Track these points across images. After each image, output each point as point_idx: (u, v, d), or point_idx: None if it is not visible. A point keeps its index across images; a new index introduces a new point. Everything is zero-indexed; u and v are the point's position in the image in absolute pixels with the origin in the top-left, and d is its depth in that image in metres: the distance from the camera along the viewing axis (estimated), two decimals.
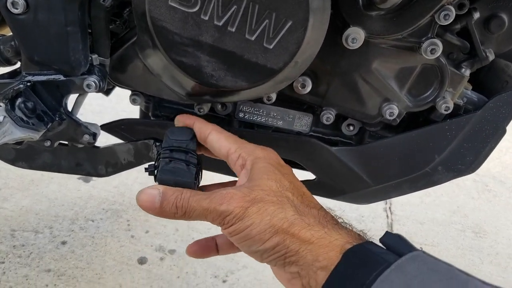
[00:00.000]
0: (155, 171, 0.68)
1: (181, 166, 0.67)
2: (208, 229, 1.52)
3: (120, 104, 2.03)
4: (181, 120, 0.73)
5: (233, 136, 0.68)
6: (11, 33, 0.81)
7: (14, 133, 0.67)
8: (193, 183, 0.65)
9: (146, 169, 0.70)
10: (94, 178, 1.55)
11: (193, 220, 0.57)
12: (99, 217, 1.47)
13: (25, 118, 0.69)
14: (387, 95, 0.79)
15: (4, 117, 0.66)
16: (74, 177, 1.55)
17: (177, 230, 1.49)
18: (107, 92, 0.90)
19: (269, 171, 0.58)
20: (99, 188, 1.57)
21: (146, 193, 0.57)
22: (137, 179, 1.62)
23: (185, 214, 0.56)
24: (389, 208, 1.81)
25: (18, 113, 0.68)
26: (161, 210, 0.57)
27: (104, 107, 2.02)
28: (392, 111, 0.79)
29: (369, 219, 1.73)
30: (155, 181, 0.67)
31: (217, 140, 0.67)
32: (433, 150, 0.83)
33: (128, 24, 0.77)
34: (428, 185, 0.87)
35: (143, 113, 0.90)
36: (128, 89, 0.82)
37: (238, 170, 0.64)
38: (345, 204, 1.74)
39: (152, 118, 0.88)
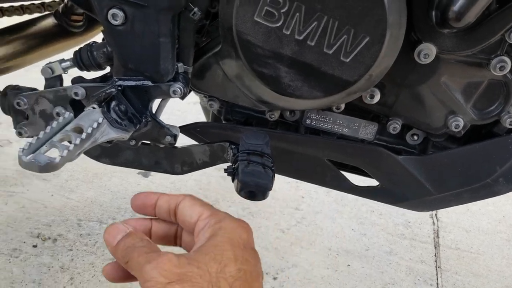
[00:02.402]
0: (235, 172, 0.73)
1: (258, 169, 0.72)
2: (258, 227, 1.58)
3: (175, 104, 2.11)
4: (140, 198, 0.61)
5: (209, 205, 0.60)
6: (94, 40, 0.88)
7: (110, 134, 0.73)
8: (271, 185, 0.70)
9: (225, 170, 0.75)
10: (152, 173, 1.63)
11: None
12: None
13: (119, 120, 0.75)
14: (453, 107, 0.82)
15: (103, 119, 0.72)
16: (134, 171, 1.64)
17: None
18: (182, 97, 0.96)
19: (221, 249, 0.50)
20: (157, 183, 1.65)
21: (114, 227, 0.54)
22: (192, 176, 1.69)
23: (127, 263, 0.50)
24: (436, 215, 1.82)
25: (113, 115, 0.75)
26: (115, 249, 0.53)
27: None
28: (458, 124, 0.82)
29: (415, 225, 1.75)
30: (233, 182, 0.72)
31: (191, 206, 0.58)
32: (495, 162, 0.86)
33: (209, 35, 0.83)
34: (489, 195, 0.89)
35: (214, 117, 0.96)
36: (205, 94, 0.88)
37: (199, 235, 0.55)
38: (392, 209, 1.77)
39: (223, 122, 0.93)
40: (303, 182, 0.96)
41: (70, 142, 0.64)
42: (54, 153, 0.59)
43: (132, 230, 0.53)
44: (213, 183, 1.74)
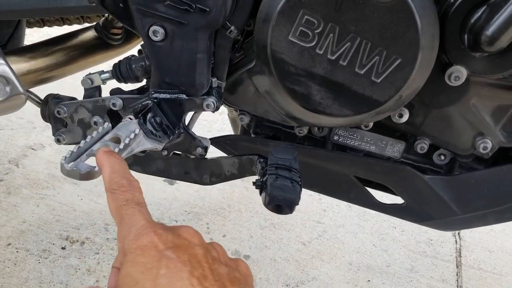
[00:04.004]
0: (263, 186, 0.75)
1: (287, 184, 0.74)
2: (280, 239, 1.59)
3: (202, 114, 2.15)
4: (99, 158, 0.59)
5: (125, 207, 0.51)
6: (138, 54, 0.92)
7: (145, 144, 0.76)
8: (298, 200, 0.72)
9: (254, 183, 0.77)
10: (178, 181, 1.65)
11: None
12: (182, 218, 1.58)
13: (154, 131, 0.78)
14: (482, 129, 0.83)
15: (139, 130, 0.75)
16: (160, 179, 1.67)
17: (251, 236, 1.57)
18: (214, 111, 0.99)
19: (136, 281, 0.44)
20: (182, 191, 1.69)
21: None
22: (216, 185, 1.71)
23: None
24: (458, 233, 1.81)
25: (149, 126, 0.78)
26: None
27: None
28: (486, 145, 0.83)
29: (437, 243, 1.73)
30: (260, 195, 0.74)
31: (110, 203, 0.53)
32: None
33: (243, 52, 0.85)
34: None
35: (243, 130, 0.99)
36: (236, 108, 0.91)
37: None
38: (414, 226, 1.76)
39: (252, 135, 0.96)
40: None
41: None
42: (93, 162, 0.61)
43: None
44: (237, 193, 1.76)
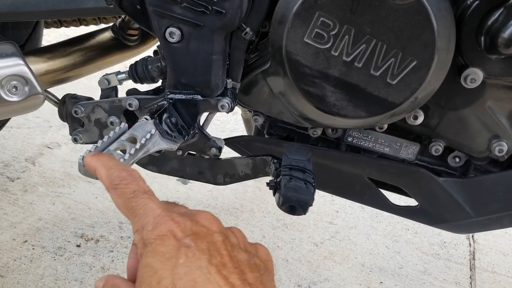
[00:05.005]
0: (277, 186, 0.75)
1: (300, 185, 0.74)
2: (292, 240, 1.60)
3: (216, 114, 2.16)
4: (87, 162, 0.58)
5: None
6: (153, 55, 0.93)
7: (160, 144, 0.77)
8: (312, 201, 0.72)
9: (267, 184, 0.78)
10: (191, 181, 1.67)
11: None
12: None
13: (169, 132, 0.79)
14: (497, 132, 0.82)
15: (155, 130, 0.76)
16: (173, 178, 1.68)
17: (264, 236, 1.58)
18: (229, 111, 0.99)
19: (155, 270, 0.44)
20: (195, 191, 1.70)
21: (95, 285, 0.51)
22: (229, 185, 1.72)
23: None
24: (472, 236, 1.79)
25: (164, 126, 0.79)
26: None
27: None
28: (502, 148, 0.82)
29: (451, 245, 1.72)
30: (274, 195, 0.75)
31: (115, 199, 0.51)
32: None
33: (258, 53, 0.86)
34: None
35: (257, 130, 0.99)
36: (251, 109, 0.91)
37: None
38: (427, 228, 1.75)
39: (266, 136, 0.96)
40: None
41: (125, 151, 0.68)
42: None
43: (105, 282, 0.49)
44: (249, 193, 1.77)
